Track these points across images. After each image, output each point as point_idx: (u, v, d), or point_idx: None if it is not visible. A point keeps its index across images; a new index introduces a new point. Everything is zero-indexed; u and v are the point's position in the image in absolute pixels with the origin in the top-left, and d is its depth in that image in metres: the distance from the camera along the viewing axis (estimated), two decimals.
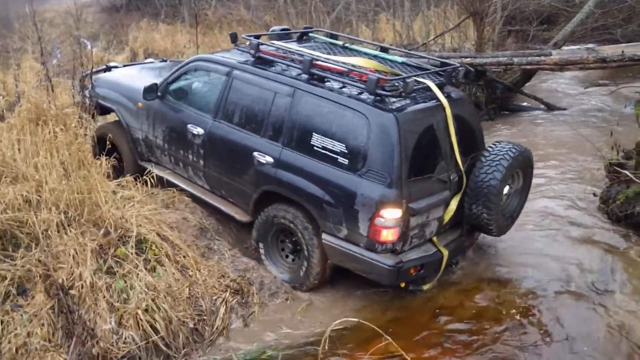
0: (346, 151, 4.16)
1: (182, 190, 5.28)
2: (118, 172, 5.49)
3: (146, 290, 3.97)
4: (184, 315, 3.99)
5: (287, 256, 4.73)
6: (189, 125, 5.05)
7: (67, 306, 3.72)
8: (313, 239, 4.40)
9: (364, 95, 4.19)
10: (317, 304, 4.42)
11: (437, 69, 4.76)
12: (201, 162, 5.05)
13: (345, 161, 4.16)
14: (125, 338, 3.73)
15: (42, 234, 4.00)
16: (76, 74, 8.41)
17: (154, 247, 4.30)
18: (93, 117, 6.10)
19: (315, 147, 4.31)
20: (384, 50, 5.28)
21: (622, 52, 7.84)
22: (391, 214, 4.02)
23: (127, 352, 3.68)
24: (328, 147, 4.25)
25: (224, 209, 5.00)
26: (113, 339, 3.70)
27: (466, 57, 8.65)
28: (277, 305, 4.36)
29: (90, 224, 4.21)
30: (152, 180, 4.91)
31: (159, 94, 5.31)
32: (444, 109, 4.33)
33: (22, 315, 3.62)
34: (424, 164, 4.27)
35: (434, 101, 4.37)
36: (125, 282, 3.99)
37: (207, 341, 3.97)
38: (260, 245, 4.75)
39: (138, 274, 4.06)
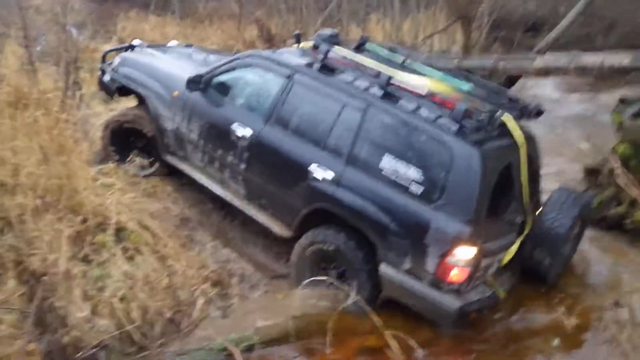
0: (421, 180, 3.88)
1: (210, 192, 4.93)
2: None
3: (123, 278, 3.92)
4: (162, 305, 3.94)
5: (331, 284, 4.25)
6: (234, 125, 4.65)
7: (39, 293, 3.65)
8: (363, 269, 4.08)
9: (444, 123, 3.93)
10: (299, 294, 4.31)
11: (512, 103, 4.46)
12: (243, 165, 4.65)
13: (419, 190, 3.88)
14: (99, 327, 3.66)
15: (17, 218, 3.92)
16: (60, 61, 8.31)
17: (133, 236, 4.26)
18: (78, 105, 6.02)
19: (384, 170, 4.01)
20: (446, 72, 4.83)
21: (602, 61, 8.02)
22: (465, 253, 3.76)
23: (100, 342, 3.60)
24: (400, 172, 3.95)
25: (261, 219, 4.64)
26: (86, 328, 3.62)
27: (453, 60, 8.72)
28: (257, 297, 4.33)
29: (68, 210, 4.14)
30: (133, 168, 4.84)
31: (201, 85, 4.92)
32: (519, 147, 4.13)
33: None
34: (500, 203, 4.06)
35: (511, 138, 4.11)
36: (102, 270, 3.94)
37: (184, 332, 3.92)
38: (298, 268, 4.34)
39: (116, 262, 4.01)
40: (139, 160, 5.36)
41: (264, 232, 4.96)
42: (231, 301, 4.24)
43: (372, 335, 3.75)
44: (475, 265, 3.85)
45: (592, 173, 6.06)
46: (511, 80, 9.59)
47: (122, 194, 4.62)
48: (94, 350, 3.54)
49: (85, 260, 3.96)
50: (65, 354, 3.47)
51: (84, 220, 4.11)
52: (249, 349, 3.60)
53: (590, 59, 8.52)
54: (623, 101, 7.40)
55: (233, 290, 4.33)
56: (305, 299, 4.12)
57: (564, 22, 10.49)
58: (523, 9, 12.41)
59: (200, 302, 4.10)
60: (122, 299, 3.81)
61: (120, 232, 4.24)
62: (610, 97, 9.04)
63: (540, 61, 8.73)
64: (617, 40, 11.21)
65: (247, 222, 5.05)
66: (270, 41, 11.04)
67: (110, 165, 5.24)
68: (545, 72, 8.78)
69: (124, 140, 5.44)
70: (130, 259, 4.13)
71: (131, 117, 5.40)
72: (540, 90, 11.34)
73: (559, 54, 10.93)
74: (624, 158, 5.71)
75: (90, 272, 3.89)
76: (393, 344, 3.21)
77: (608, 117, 8.54)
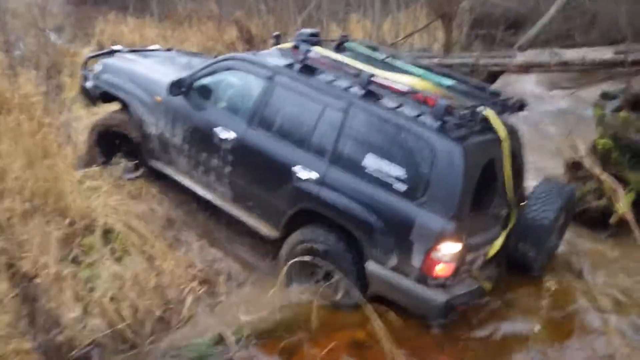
0: (405, 177, 3.93)
1: (197, 196, 4.92)
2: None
3: (112, 279, 3.97)
4: (151, 304, 4.00)
5: (317, 282, 4.28)
6: (217, 128, 4.66)
7: (32, 295, 3.69)
8: (350, 267, 4.10)
9: (426, 120, 3.97)
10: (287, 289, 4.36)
11: (494, 98, 4.51)
12: (227, 168, 4.67)
13: (403, 188, 3.92)
14: (91, 327, 3.71)
15: (6, 222, 3.96)
16: (41, 65, 8.27)
17: (120, 237, 4.31)
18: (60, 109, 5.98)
19: (367, 169, 4.05)
20: (427, 69, 4.86)
21: (583, 56, 8.17)
22: (450, 249, 3.82)
23: (92, 341, 3.66)
24: (383, 170, 3.99)
25: (248, 221, 4.67)
26: (78, 328, 3.68)
27: (434, 58, 8.85)
28: (245, 293, 4.39)
29: (56, 213, 4.19)
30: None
31: (183, 89, 4.92)
32: (502, 142, 4.16)
33: None
34: (484, 197, 4.13)
35: (494, 133, 4.13)
36: (92, 271, 3.99)
37: (173, 329, 3.97)
38: (288, 268, 4.27)
39: (104, 263, 4.06)
40: (124, 163, 5.38)
41: (250, 232, 5.02)
42: (219, 299, 4.30)
43: (361, 329, 3.84)
44: (460, 260, 3.91)
45: (573, 167, 6.18)
46: (493, 77, 9.74)
47: (108, 197, 4.66)
48: (88, 348, 3.60)
49: (75, 261, 4.01)
50: (60, 353, 3.51)
51: (72, 223, 4.16)
52: (238, 341, 3.65)
53: (572, 54, 8.68)
54: (605, 96, 7.56)
55: (220, 289, 4.39)
56: (293, 293, 4.20)
57: (544, 19, 10.67)
58: (504, 7, 12.60)
59: (189, 300, 4.16)
60: (112, 299, 3.86)
61: (107, 233, 4.29)
62: (592, 93, 9.25)
63: (521, 58, 8.88)
64: (599, 36, 11.47)
65: (233, 222, 5.09)
66: (250, 42, 11.07)
67: (96, 168, 5.26)
68: (526, 69, 8.90)
69: (109, 143, 5.44)
70: (119, 259, 4.18)
71: (116, 121, 5.40)
72: (522, 86, 11.52)
73: (540, 50, 11.15)
74: (605, 152, 5.82)
75: (80, 273, 3.94)
76: (376, 321, 3.22)
77: (590, 111, 8.78)
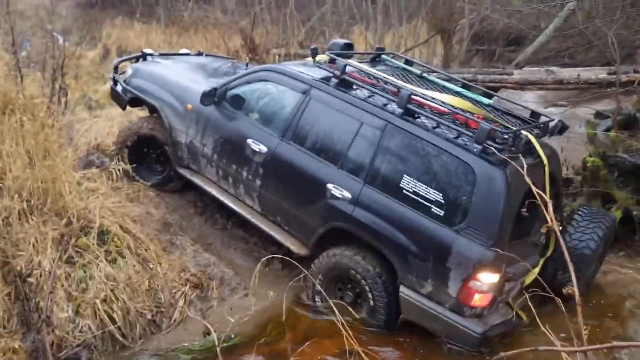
0: (443, 201, 3.80)
1: (226, 207, 4.88)
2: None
3: (105, 280, 4.03)
4: (142, 306, 4.07)
5: (345, 302, 4.15)
6: (250, 140, 4.58)
7: (24, 293, 3.76)
8: (382, 292, 4.01)
9: (465, 142, 3.85)
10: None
11: (532, 120, 4.39)
12: (258, 182, 4.58)
13: (441, 212, 3.80)
14: (81, 327, 3.77)
15: (3, 221, 4.01)
16: (46, 66, 8.37)
17: (115, 239, 4.36)
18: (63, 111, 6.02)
19: (404, 191, 3.93)
20: (466, 87, 4.76)
21: (578, 75, 8.34)
22: (488, 278, 3.70)
23: (82, 341, 3.72)
24: (421, 193, 3.88)
25: (277, 236, 4.55)
26: (69, 328, 3.74)
27: (432, 72, 8.95)
28: (236, 300, 4.44)
29: (53, 213, 4.22)
30: (117, 173, 4.92)
31: (215, 99, 4.83)
32: (543, 166, 4.02)
33: None
34: (523, 225, 3.98)
35: (535, 157, 3.98)
36: (85, 272, 4.04)
37: (163, 332, 4.04)
38: (317, 288, 4.17)
39: (98, 264, 4.11)
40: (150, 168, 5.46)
41: (244, 238, 5.11)
42: (211, 304, 4.36)
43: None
44: (498, 290, 3.82)
45: (564, 183, 6.32)
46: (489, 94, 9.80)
47: (106, 199, 4.71)
48: (77, 349, 3.67)
49: (69, 262, 4.05)
50: (48, 353, 3.56)
51: (68, 223, 4.20)
52: (229, 347, 3.70)
53: (567, 73, 8.84)
54: (598, 115, 7.73)
55: (213, 293, 4.45)
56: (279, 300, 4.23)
57: (541, 38, 10.86)
58: (504, 23, 12.76)
59: (181, 303, 4.23)
60: (104, 300, 3.92)
61: (103, 235, 4.33)
62: (586, 110, 9.38)
63: (517, 75, 9.05)
64: (597, 56, 11.62)
65: (228, 228, 5.19)
66: (254, 51, 11.20)
67: (94, 170, 5.34)
68: (522, 85, 9.08)
69: (139, 148, 5.42)
70: (113, 261, 4.23)
71: (152, 127, 5.35)
72: (519, 103, 11.65)
73: (537, 68, 11.28)
74: (594, 169, 5.92)
75: (73, 273, 3.99)
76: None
77: (583, 129, 8.90)
